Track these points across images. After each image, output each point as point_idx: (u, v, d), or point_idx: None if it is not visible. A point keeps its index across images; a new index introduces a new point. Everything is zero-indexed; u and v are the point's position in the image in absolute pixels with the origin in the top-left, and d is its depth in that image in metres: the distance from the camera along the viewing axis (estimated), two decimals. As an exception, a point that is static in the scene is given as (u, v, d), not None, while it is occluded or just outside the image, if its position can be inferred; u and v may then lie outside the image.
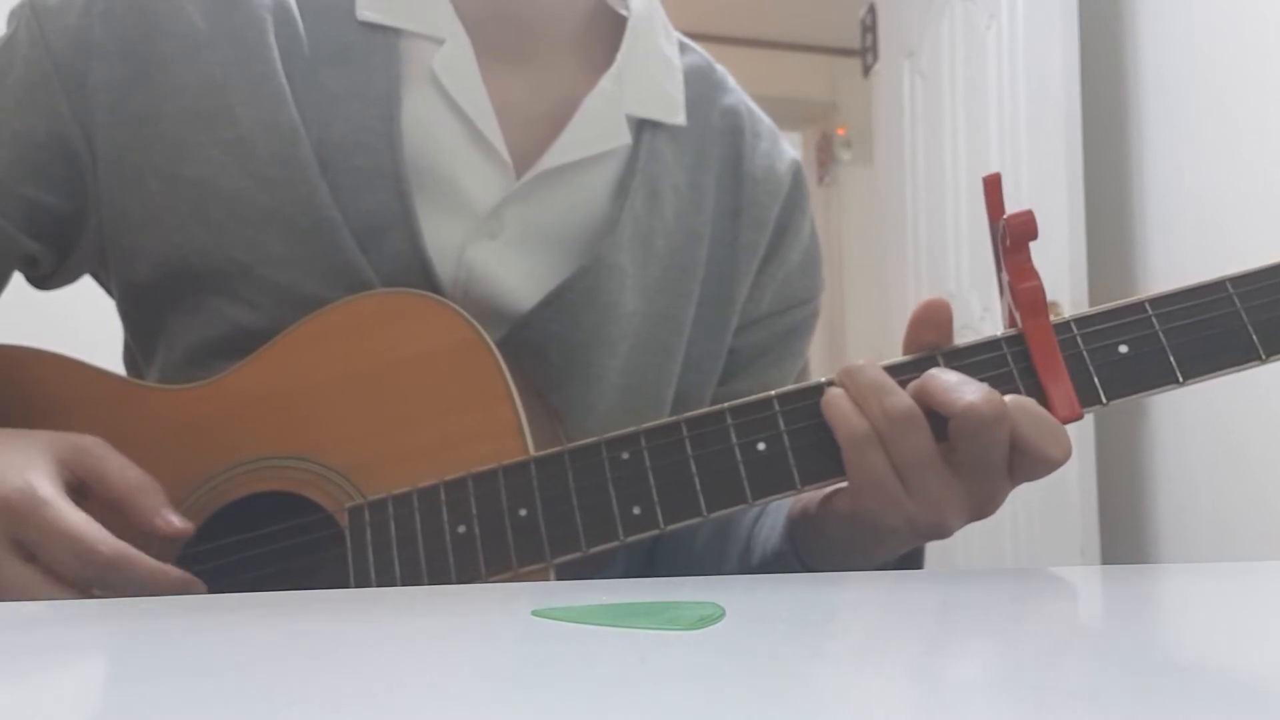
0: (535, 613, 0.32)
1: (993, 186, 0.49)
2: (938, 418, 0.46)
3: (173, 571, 0.48)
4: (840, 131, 3.90)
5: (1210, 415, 1.71)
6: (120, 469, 0.50)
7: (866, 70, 2.81)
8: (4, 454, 0.47)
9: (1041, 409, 0.46)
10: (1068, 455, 0.46)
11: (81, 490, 0.49)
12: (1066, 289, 1.84)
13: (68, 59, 0.55)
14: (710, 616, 0.30)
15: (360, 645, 0.29)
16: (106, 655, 0.30)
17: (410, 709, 0.21)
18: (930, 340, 0.49)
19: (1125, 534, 1.93)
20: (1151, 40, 1.87)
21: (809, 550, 0.54)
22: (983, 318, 2.14)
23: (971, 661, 0.27)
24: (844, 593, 0.41)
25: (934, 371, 0.47)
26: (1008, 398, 0.46)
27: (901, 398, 0.46)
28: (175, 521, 0.49)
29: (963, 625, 0.33)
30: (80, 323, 0.71)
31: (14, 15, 0.58)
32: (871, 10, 2.74)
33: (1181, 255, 1.81)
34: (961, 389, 0.45)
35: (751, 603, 0.35)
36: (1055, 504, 1.89)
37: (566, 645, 0.27)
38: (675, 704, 0.21)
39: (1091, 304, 1.88)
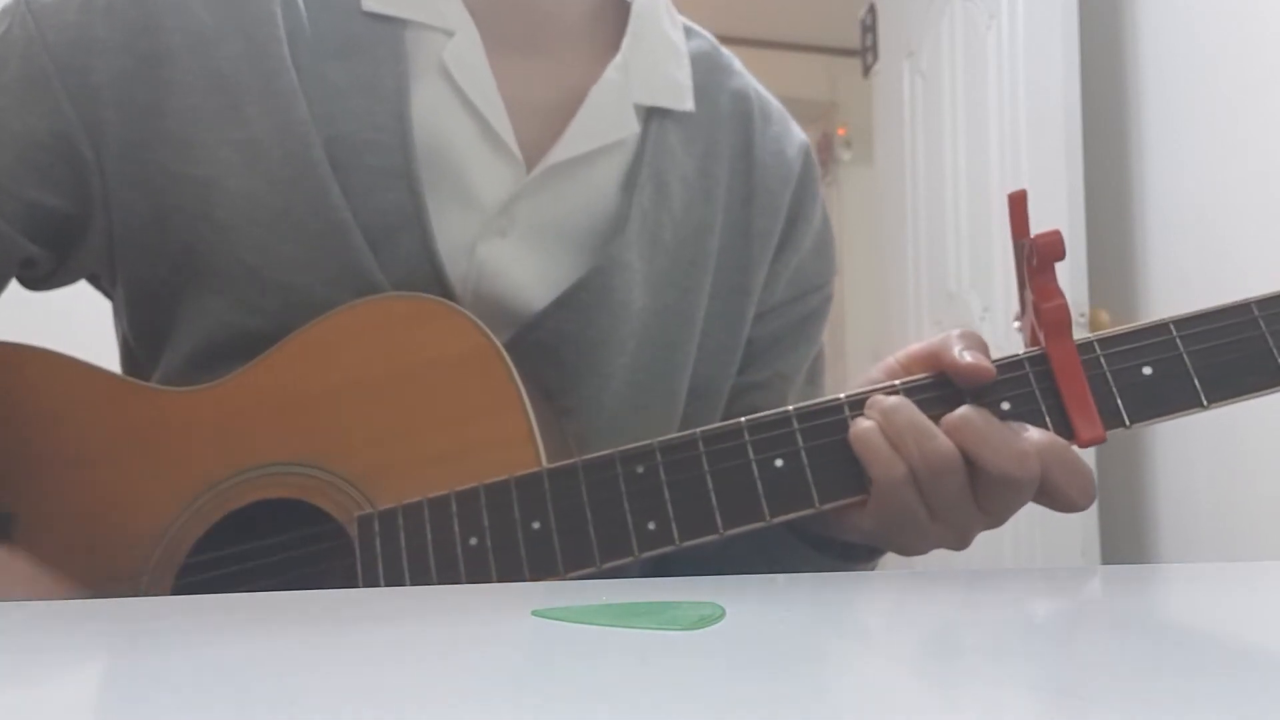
0: (535, 613, 0.32)
1: (1018, 204, 0.48)
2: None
3: None
4: (840, 131, 3.90)
5: (1211, 415, 1.71)
6: None
7: (866, 70, 2.81)
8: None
9: (1075, 455, 0.45)
10: (1090, 502, 0.45)
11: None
12: (1066, 289, 1.82)
13: (68, 58, 0.53)
14: (710, 616, 0.30)
15: (360, 645, 0.29)
16: (106, 655, 0.30)
17: (410, 709, 0.21)
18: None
19: (1125, 534, 1.93)
20: (1151, 40, 1.87)
21: (821, 544, 0.54)
22: (982, 318, 2.13)
23: (971, 661, 0.27)
24: (845, 592, 0.41)
25: (969, 414, 0.46)
26: (1038, 436, 0.45)
27: (942, 442, 0.45)
28: None
29: (963, 625, 0.33)
30: (80, 323, 0.71)
31: (6, 12, 0.55)
32: (871, 10, 2.74)
33: (1181, 255, 1.81)
34: (1000, 448, 0.44)
35: (751, 603, 0.35)
36: (1055, 504, 1.89)
37: (567, 645, 0.27)
38: (675, 704, 0.21)
39: (1091, 304, 1.88)
